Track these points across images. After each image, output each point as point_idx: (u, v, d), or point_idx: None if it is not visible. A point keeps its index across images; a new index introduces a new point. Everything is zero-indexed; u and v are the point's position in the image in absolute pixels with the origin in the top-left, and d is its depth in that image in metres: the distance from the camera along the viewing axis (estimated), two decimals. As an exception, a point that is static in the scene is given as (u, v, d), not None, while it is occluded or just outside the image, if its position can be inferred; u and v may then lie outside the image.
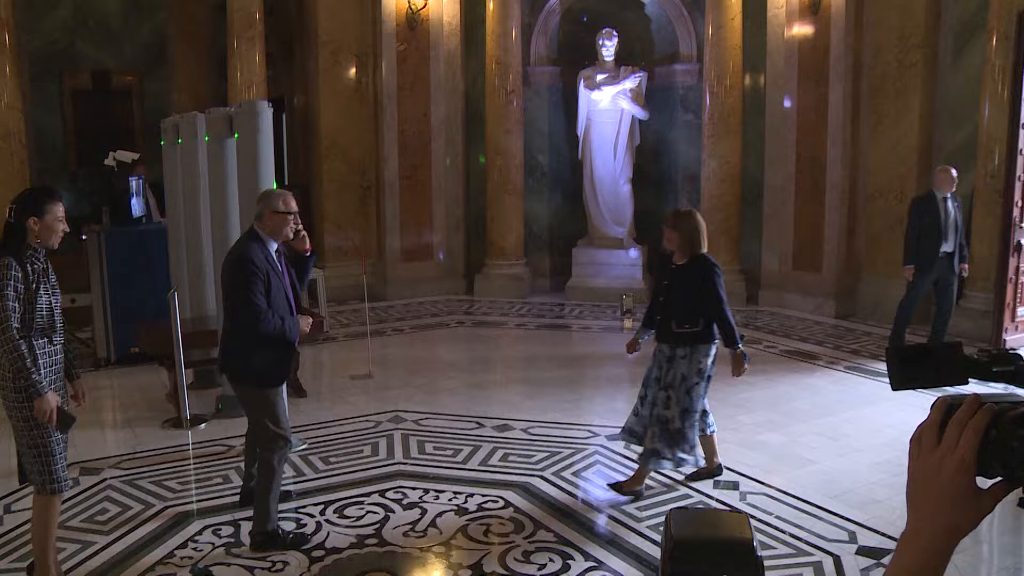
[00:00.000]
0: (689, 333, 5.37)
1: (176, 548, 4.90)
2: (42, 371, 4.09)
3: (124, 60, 16.06)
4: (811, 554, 4.68)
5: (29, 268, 4.05)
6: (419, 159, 12.38)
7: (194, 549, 4.89)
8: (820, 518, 5.10)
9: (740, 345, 5.42)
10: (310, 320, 5.12)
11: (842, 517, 5.11)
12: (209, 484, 5.71)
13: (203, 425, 6.81)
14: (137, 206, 9.00)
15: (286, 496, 5.48)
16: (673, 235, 5.43)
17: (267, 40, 12.21)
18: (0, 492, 5.73)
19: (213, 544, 4.94)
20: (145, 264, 8.62)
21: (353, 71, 12.47)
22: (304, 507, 5.39)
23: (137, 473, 6.01)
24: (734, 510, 5.05)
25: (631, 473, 5.69)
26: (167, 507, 5.44)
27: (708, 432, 5.66)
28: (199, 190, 7.42)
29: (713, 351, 5.46)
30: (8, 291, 3.94)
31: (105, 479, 5.90)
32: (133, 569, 4.66)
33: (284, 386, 5.17)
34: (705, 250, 5.44)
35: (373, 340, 8.94)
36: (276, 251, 4.97)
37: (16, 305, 3.96)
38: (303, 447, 6.36)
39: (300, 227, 5.14)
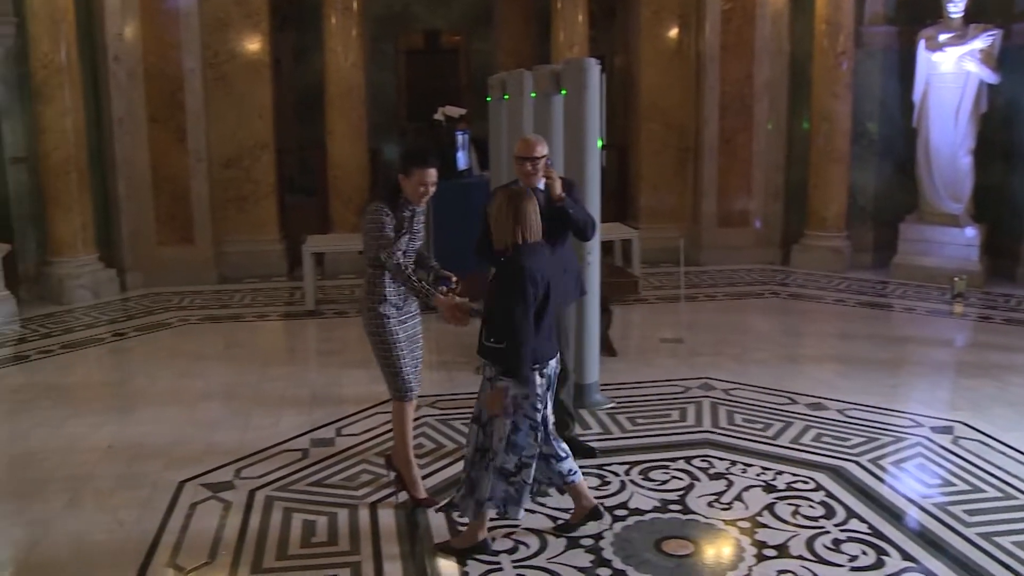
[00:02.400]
0: (500, 351, 4.19)
1: (485, 490, 5.08)
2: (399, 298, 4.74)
3: (453, 21, 16.86)
4: None
5: (399, 215, 4.64)
6: (740, 123, 11.98)
7: (502, 493, 5.04)
8: None
9: (512, 380, 4.16)
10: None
11: None
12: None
13: (514, 375, 7.02)
14: (462, 159, 9.38)
15: (590, 452, 5.52)
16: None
17: (590, 0, 12.29)
18: (331, 417, 6.24)
19: (519, 491, 5.06)
20: (467, 216, 8.94)
21: (675, 31, 12.26)
22: (608, 465, 5.39)
23: (451, 414, 6.31)
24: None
25: (953, 469, 5.24)
26: (477, 449, 5.67)
27: (568, 480, 4.52)
28: (523, 145, 7.56)
29: (540, 375, 4.23)
30: (386, 229, 4.59)
31: (423, 416, 6.23)
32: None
33: None
34: (524, 239, 4.18)
35: (684, 305, 8.80)
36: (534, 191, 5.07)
37: (388, 243, 4.58)
38: (610, 405, 6.38)
39: (548, 175, 5.09)
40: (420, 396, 6.46)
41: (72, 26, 10.12)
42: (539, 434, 4.30)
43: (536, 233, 4.24)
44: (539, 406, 4.27)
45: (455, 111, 9.38)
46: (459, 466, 5.37)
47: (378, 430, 6.03)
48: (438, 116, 9.40)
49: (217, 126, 11.33)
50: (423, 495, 4.91)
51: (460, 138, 9.37)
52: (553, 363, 4.36)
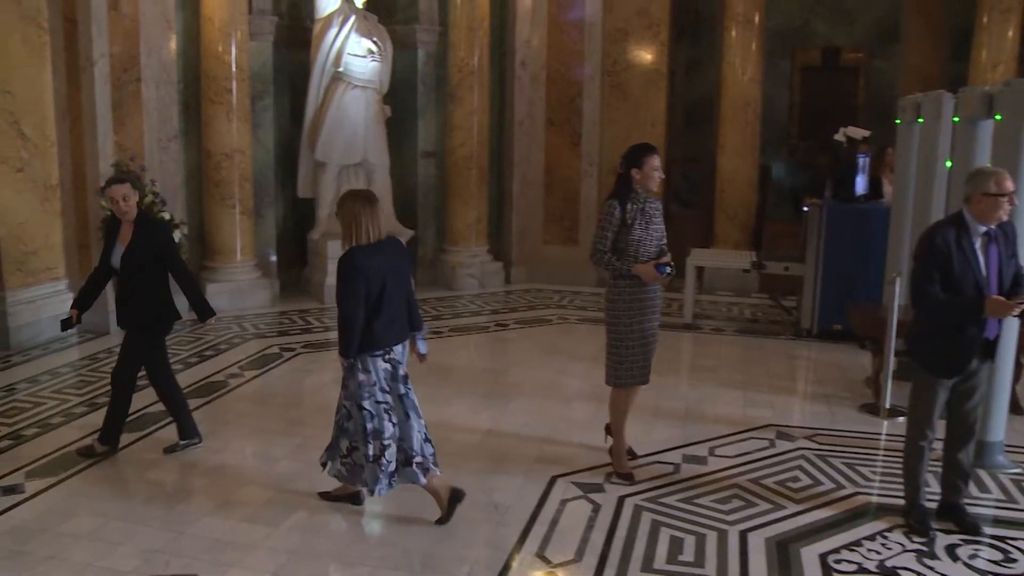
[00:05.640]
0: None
1: (864, 538, 4.75)
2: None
3: (855, 38, 16.04)
4: None
5: (629, 207, 5.19)
6: None
7: (883, 545, 4.67)
8: None
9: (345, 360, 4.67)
10: (1006, 303, 4.49)
11: None
12: (898, 481, 5.33)
13: (901, 419, 6.46)
14: (861, 184, 8.88)
15: (973, 528, 4.83)
16: None
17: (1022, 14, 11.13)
18: (705, 435, 6.19)
19: (903, 546, 4.66)
20: (862, 243, 8.49)
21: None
22: (1012, 539, 4.78)
23: (829, 450, 5.96)
24: None
25: None
26: (857, 493, 5.30)
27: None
28: (935, 174, 7.01)
29: (373, 365, 4.68)
30: (606, 226, 5.24)
31: (799, 448, 5.97)
32: (818, 546, 4.63)
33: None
34: (357, 242, 4.61)
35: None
36: (987, 235, 4.62)
37: (610, 235, 5.21)
38: (1015, 470, 5.70)
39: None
40: (799, 428, 6.37)
41: (487, 34, 10.89)
42: (393, 416, 4.74)
43: (373, 236, 4.61)
44: (387, 388, 4.72)
45: (858, 132, 8.86)
46: (833, 509, 5.07)
47: (752, 455, 5.85)
48: (839, 136, 8.94)
49: (610, 132, 11.63)
50: (625, 469, 5.45)
51: (861, 161, 8.87)
52: (399, 349, 4.79)
